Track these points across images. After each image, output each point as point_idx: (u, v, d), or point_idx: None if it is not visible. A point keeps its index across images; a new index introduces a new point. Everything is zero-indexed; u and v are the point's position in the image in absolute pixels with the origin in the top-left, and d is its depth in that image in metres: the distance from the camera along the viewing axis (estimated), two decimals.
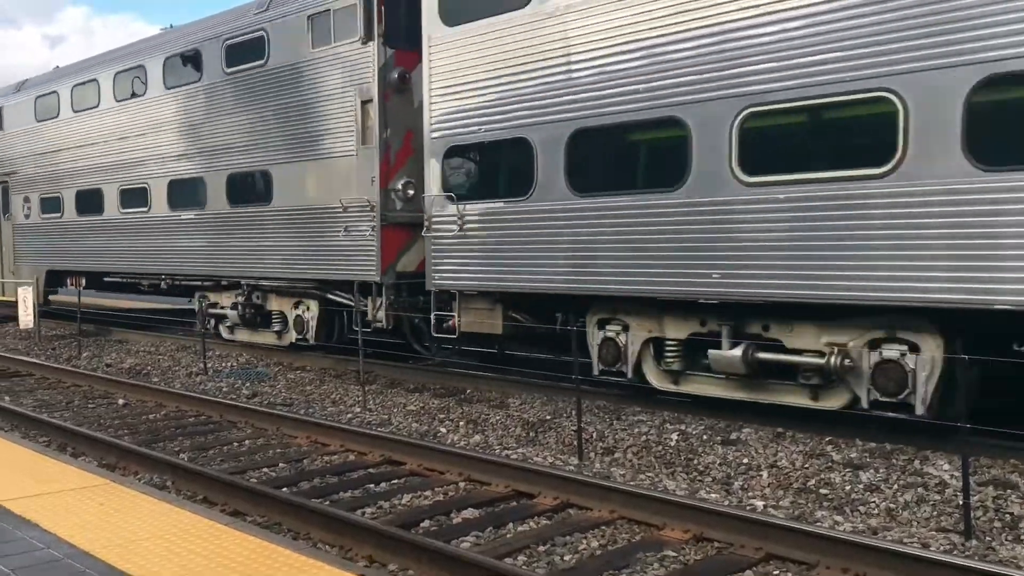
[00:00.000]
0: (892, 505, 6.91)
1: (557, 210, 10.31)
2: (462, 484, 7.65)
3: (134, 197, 17.77)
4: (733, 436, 8.98)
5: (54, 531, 5.17)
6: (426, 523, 6.63)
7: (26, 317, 18.91)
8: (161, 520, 5.40)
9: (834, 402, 8.67)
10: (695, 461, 8.23)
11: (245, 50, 14.82)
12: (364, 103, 12.78)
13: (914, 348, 8.06)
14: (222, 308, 16.21)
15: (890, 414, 8.27)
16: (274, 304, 15.18)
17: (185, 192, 16.37)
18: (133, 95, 17.59)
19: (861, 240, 7.96)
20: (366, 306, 13.12)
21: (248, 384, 13.05)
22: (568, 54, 10.07)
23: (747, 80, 8.64)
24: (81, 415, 11.11)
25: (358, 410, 10.98)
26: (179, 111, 16.39)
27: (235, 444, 9.42)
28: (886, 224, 7.81)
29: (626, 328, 10.16)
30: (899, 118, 7.67)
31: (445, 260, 11.62)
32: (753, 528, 6.00)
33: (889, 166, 7.74)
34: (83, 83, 19.17)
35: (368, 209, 12.79)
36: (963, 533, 6.19)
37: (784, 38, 8.35)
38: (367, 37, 12.65)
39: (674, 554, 5.97)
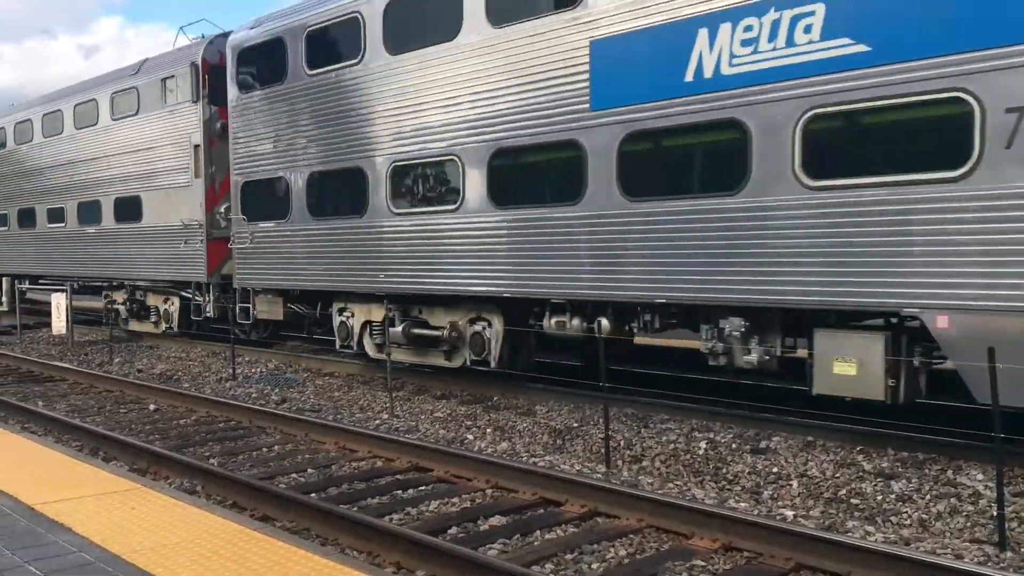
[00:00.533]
0: (925, 515, 6.82)
1: (304, 230, 14.16)
2: (489, 491, 7.65)
3: (56, 215, 22.08)
4: (762, 445, 8.91)
5: (86, 535, 5.22)
6: (453, 530, 6.63)
7: (59, 323, 19.16)
8: (191, 525, 5.44)
9: (456, 361, 12.34)
10: (724, 470, 8.17)
11: (124, 102, 19.15)
12: (196, 147, 16.95)
13: (491, 324, 11.77)
14: (117, 304, 20.36)
15: (481, 368, 11.97)
16: (151, 300, 19.34)
17: (89, 211, 20.64)
18: (55, 133, 21.89)
19: (449, 251, 11.82)
20: (201, 300, 17.28)
21: (277, 390, 13.14)
22: (315, 116, 13.81)
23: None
24: (113, 420, 11.23)
25: (386, 416, 11.02)
26: (84, 147, 20.60)
27: (264, 450, 9.47)
28: (456, 242, 11.70)
29: (353, 314, 13.75)
30: (460, 172, 11.56)
31: (244, 265, 15.54)
32: (783, 538, 5.95)
33: (456, 205, 11.61)
34: (22, 121, 23.57)
35: (198, 227, 16.94)
36: (997, 545, 6.10)
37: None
38: (196, 98, 16.88)
39: (703, 563, 5.92)
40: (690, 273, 9.30)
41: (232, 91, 15.39)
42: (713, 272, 9.12)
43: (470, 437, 9.83)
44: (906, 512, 6.91)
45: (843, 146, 8.38)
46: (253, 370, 15.04)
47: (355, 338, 13.71)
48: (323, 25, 13.51)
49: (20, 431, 9.34)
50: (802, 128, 8.41)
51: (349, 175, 13.18)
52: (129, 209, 19.06)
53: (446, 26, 11.59)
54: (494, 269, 11.26)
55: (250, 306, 15.57)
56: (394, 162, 12.47)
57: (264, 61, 14.67)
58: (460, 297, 11.94)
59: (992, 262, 7.39)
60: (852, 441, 8.75)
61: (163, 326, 18.89)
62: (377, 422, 10.72)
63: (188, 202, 17.12)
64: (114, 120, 19.42)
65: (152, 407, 12.07)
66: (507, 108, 10.98)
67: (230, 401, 11.82)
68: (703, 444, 8.98)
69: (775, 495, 7.47)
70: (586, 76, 10.06)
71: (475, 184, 11.41)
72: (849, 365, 7.97)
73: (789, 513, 6.95)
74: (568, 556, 6.08)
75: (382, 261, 12.75)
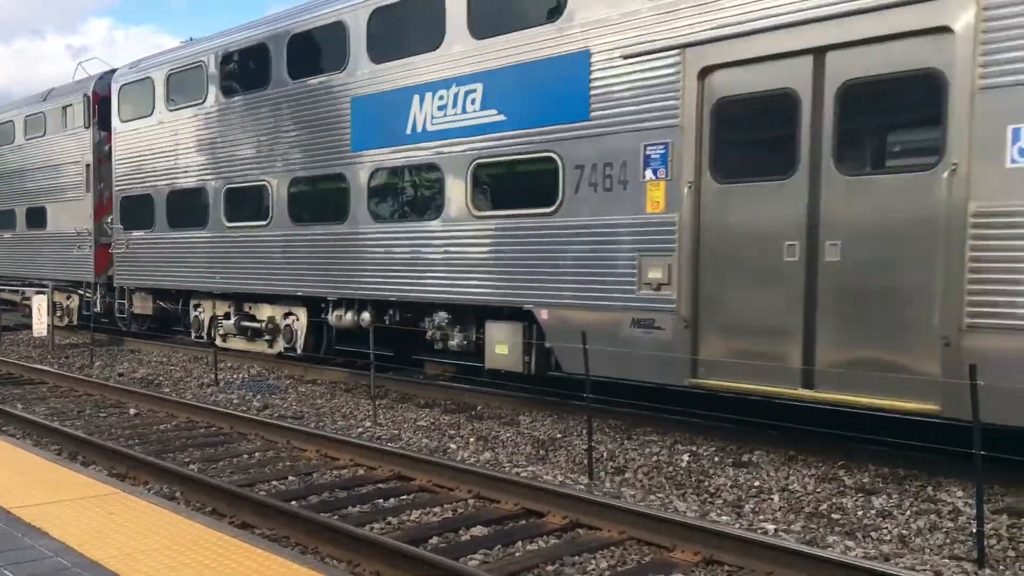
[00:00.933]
0: (904, 531, 6.84)
1: (165, 238, 17.18)
2: (471, 501, 7.62)
3: None
4: (744, 458, 8.93)
5: (63, 539, 5.17)
6: (435, 540, 6.60)
7: (40, 325, 19.00)
8: (170, 531, 5.39)
9: (276, 348, 15.14)
10: (706, 483, 8.18)
11: (34, 125, 21.95)
12: (87, 166, 19.69)
13: (298, 318, 14.59)
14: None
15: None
16: (56, 297, 21.14)
17: (5, 219, 23.55)
18: None
19: (261, 258, 14.81)
20: (91, 297, 19.99)
21: (259, 396, 13.07)
22: (173, 144, 16.71)
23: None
24: (93, 424, 11.14)
25: (368, 424, 10.97)
26: (3, 163, 23.46)
27: (245, 456, 9.42)
28: (267, 250, 14.66)
29: (204, 310, 16.63)
30: (270, 195, 14.50)
31: (121, 268, 18.55)
32: (764, 552, 5.96)
33: (267, 220, 14.62)
34: None
35: (88, 235, 19.62)
36: (976, 561, 6.13)
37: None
38: (87, 124, 19.61)
39: None
40: (410, 278, 12.23)
41: (115, 120, 18.39)
42: (425, 277, 12.02)
43: (453, 446, 9.81)
44: (886, 528, 6.94)
45: (492, 187, 11.36)
46: (235, 376, 14.96)
47: (205, 329, 16.67)
48: (180, 70, 16.65)
49: None
50: (471, 173, 11.32)
51: (196, 193, 16.18)
52: (37, 218, 21.90)
53: (260, 78, 14.69)
54: (294, 273, 14.21)
55: (126, 302, 18.75)
56: (227, 184, 15.54)
57: (138, 96, 17.78)
58: (278, 295, 14.72)
59: (571, 274, 10.26)
60: (834, 456, 8.78)
61: (66, 320, 21.19)
62: (360, 430, 10.67)
63: (81, 213, 19.91)
64: (26, 140, 22.30)
65: (132, 411, 11.98)
66: (303, 145, 13.99)
67: (211, 407, 11.74)
68: (686, 457, 9.00)
69: (757, 509, 7.48)
70: (349, 124, 13.12)
71: (280, 204, 14.38)
72: (504, 347, 10.55)
73: (770, 527, 6.96)
74: (549, 567, 6.07)
75: (217, 265, 15.86)
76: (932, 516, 7.13)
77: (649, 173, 9.45)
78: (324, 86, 13.53)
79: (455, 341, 11.90)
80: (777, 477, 8.26)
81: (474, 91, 11.25)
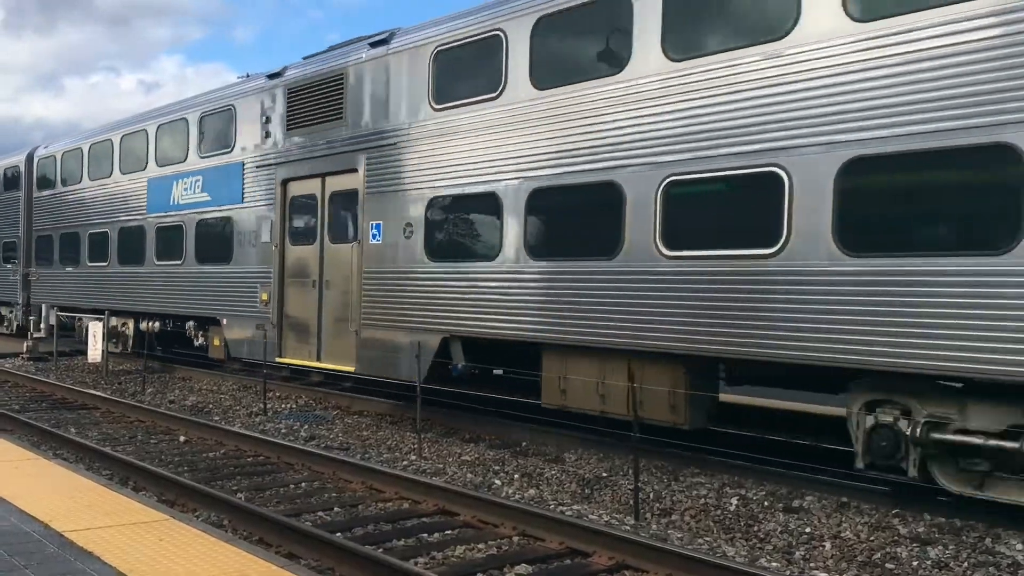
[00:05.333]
0: None
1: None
2: (516, 538, 7.57)
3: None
4: (795, 504, 8.75)
5: (114, 564, 5.23)
6: None
7: (94, 352, 19.38)
8: (218, 559, 5.43)
9: None
10: (755, 527, 8.03)
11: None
12: None
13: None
14: None
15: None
16: None
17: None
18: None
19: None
20: None
21: (306, 427, 13.15)
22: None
23: None
24: (143, 450, 11.30)
25: (414, 458, 10.97)
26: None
27: (291, 486, 9.46)
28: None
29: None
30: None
31: None
32: None
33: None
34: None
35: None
36: None
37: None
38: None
39: None
40: None
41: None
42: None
43: (498, 482, 9.76)
44: None
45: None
46: (283, 405, 15.09)
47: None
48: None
49: (52, 457, 9.41)
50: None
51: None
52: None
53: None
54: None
55: None
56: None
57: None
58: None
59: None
60: (888, 504, 8.58)
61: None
62: (405, 463, 10.67)
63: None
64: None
65: (182, 439, 12.12)
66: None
67: (259, 436, 11.84)
68: (734, 500, 8.85)
69: (807, 556, 7.32)
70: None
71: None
72: None
73: (822, 575, 6.80)
74: None
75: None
76: (991, 569, 6.92)
77: None
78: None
79: None
80: (829, 524, 8.08)
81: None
